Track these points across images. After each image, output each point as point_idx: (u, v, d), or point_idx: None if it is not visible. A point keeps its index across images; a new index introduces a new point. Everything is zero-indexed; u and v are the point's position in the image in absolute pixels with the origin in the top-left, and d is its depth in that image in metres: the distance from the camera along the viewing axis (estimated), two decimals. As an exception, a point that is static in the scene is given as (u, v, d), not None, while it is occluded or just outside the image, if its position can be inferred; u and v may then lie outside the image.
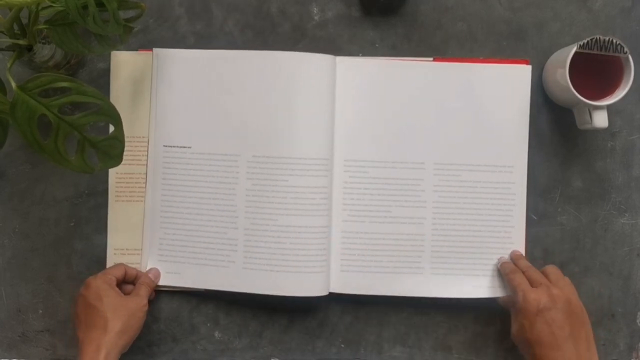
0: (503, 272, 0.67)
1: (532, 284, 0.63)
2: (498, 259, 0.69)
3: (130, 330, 0.63)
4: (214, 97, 0.68)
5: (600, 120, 0.65)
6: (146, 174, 0.69)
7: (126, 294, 0.65)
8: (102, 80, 0.70)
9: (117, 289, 0.65)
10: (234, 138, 0.68)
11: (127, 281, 0.67)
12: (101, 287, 0.63)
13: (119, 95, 0.70)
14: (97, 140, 0.57)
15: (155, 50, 0.69)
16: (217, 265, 0.68)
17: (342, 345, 0.70)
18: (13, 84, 0.53)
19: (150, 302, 0.69)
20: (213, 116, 0.68)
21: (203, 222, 0.68)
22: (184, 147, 0.68)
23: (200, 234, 0.68)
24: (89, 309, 0.62)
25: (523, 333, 0.61)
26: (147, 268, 0.69)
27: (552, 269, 0.65)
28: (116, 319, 0.62)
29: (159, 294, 0.70)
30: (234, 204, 0.68)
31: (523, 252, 0.69)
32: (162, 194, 0.69)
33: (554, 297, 0.60)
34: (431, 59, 0.70)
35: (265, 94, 0.67)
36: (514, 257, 0.68)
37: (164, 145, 0.69)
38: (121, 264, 0.67)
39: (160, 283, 0.69)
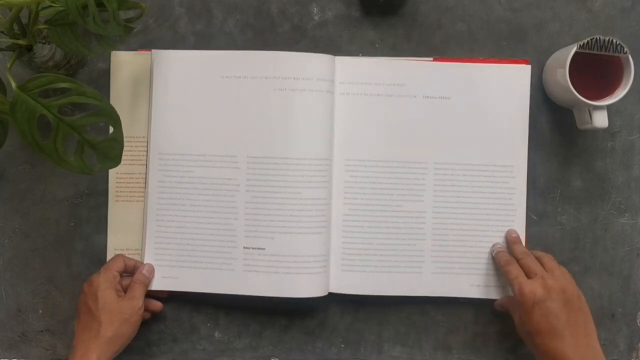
0: (498, 263, 0.67)
1: (528, 274, 0.63)
2: (492, 246, 0.68)
3: (123, 336, 0.63)
4: (212, 98, 0.68)
5: (600, 120, 0.65)
6: (146, 175, 0.69)
7: (124, 288, 0.65)
8: (102, 80, 0.70)
9: (118, 287, 0.64)
10: (233, 139, 0.68)
11: (126, 272, 0.67)
12: (101, 286, 0.63)
13: (119, 95, 0.70)
14: (96, 141, 0.57)
15: (154, 51, 0.69)
16: (217, 269, 0.68)
17: (342, 345, 0.70)
18: (13, 84, 0.53)
19: (154, 313, 0.69)
20: (212, 117, 0.68)
21: (202, 225, 0.68)
22: (182, 151, 0.68)
23: (200, 238, 0.68)
24: (85, 309, 0.63)
25: (523, 325, 0.62)
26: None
27: (547, 258, 0.65)
28: (109, 324, 0.61)
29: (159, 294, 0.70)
30: (234, 206, 0.68)
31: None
32: (158, 198, 0.68)
33: (548, 288, 0.61)
34: (431, 59, 0.70)
35: (264, 94, 0.67)
36: (510, 241, 0.68)
37: (159, 153, 0.68)
38: (119, 256, 0.67)
39: (160, 288, 0.68)
